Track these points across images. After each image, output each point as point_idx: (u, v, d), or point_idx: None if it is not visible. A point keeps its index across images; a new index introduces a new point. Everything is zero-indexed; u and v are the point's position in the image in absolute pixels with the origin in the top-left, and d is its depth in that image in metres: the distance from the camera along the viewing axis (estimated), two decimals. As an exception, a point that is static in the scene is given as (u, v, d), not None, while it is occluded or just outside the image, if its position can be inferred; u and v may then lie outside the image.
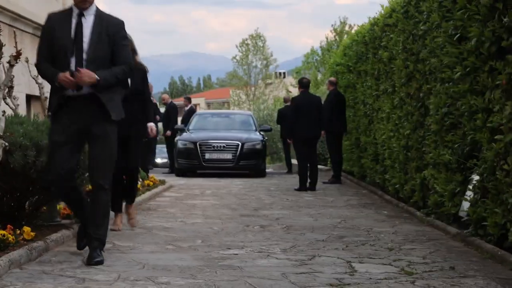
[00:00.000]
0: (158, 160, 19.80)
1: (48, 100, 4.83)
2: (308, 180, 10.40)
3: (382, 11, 9.39)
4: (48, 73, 4.43)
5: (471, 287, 3.91)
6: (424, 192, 7.09)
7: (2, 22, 8.29)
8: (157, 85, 60.73)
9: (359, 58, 11.35)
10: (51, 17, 4.52)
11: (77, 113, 4.39)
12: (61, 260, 4.49)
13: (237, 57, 44.69)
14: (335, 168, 12.08)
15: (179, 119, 16.24)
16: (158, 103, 17.23)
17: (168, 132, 14.55)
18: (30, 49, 5.04)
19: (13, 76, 5.21)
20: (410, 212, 7.43)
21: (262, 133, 14.61)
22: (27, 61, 6.82)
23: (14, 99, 6.60)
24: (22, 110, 7.48)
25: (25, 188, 5.20)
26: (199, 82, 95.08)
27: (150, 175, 10.83)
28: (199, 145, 13.31)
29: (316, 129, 10.52)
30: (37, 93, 8.13)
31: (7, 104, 6.42)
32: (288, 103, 14.01)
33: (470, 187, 5.52)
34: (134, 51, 5.93)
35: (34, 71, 5.21)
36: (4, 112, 4.72)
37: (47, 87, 5.07)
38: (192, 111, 15.72)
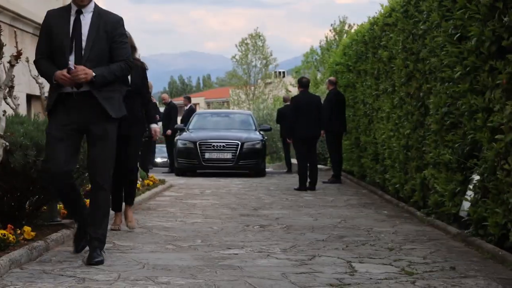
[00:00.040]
0: (158, 160, 19.81)
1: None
2: (308, 180, 10.40)
3: (382, 11, 9.39)
4: (46, 71, 4.41)
5: None
6: (424, 192, 7.09)
7: (2, 22, 8.29)
8: (157, 84, 60.77)
9: (359, 58, 11.35)
10: (50, 14, 4.49)
11: (77, 112, 4.36)
12: (61, 260, 4.49)
13: (237, 57, 44.70)
14: (335, 167, 12.08)
15: (179, 118, 16.25)
16: (158, 103, 17.22)
17: (169, 131, 14.56)
18: (30, 49, 5.03)
19: (14, 76, 5.21)
20: (410, 212, 7.43)
21: (261, 132, 14.62)
22: (27, 61, 6.82)
23: (14, 98, 6.60)
24: (22, 110, 7.49)
25: (25, 187, 5.20)
26: (198, 82, 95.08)
27: (150, 174, 10.83)
28: (199, 144, 13.31)
29: (315, 129, 10.52)
30: (37, 92, 8.14)
31: (7, 103, 6.42)
32: (288, 103, 14.02)
33: (471, 187, 5.52)
34: (133, 48, 5.89)
35: (35, 71, 5.21)
36: (4, 111, 4.72)
37: (47, 87, 5.06)
38: (191, 111, 15.73)
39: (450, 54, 5.79)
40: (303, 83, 10.84)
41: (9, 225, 4.72)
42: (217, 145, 13.33)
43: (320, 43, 36.26)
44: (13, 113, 6.19)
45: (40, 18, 4.64)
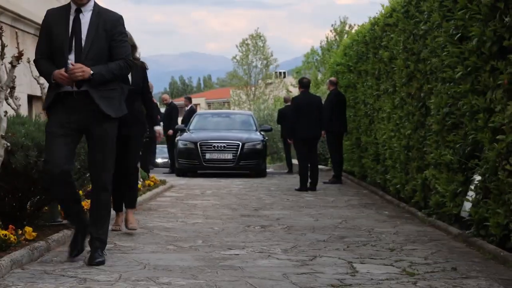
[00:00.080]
0: (159, 160, 19.81)
1: None
2: (309, 180, 10.40)
3: (383, 11, 9.39)
4: (46, 71, 4.39)
5: (473, 288, 3.92)
6: (425, 192, 7.09)
7: (3, 23, 8.30)
8: (157, 85, 60.76)
9: (360, 58, 11.35)
10: (49, 14, 4.47)
11: (77, 112, 4.33)
12: (62, 260, 4.49)
13: (237, 57, 44.70)
14: (336, 168, 12.08)
15: (180, 119, 16.25)
16: (158, 103, 17.24)
17: (170, 131, 14.55)
18: (31, 50, 5.02)
19: (15, 76, 5.21)
20: (411, 212, 7.43)
21: (262, 133, 14.61)
22: (28, 62, 6.81)
23: (16, 99, 6.59)
24: (23, 111, 7.49)
25: (26, 188, 5.20)
26: (199, 82, 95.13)
27: (151, 175, 10.84)
28: (200, 145, 13.32)
29: (316, 129, 10.52)
30: (38, 93, 8.14)
31: (9, 104, 6.42)
32: (289, 103, 14.01)
33: (472, 187, 5.51)
34: (134, 47, 5.86)
35: (36, 72, 5.20)
36: (6, 112, 4.72)
37: (48, 88, 5.05)
38: (192, 111, 15.73)
39: (451, 54, 5.79)
40: (303, 84, 10.84)
41: (10, 226, 4.72)
42: (217, 146, 13.33)
43: (320, 43, 36.28)
44: (14, 113, 6.19)
45: (41, 18, 4.64)
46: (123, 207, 6.07)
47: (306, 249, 5.15)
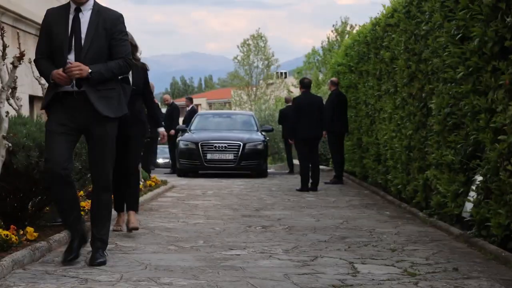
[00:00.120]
0: (160, 160, 19.82)
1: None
2: (310, 181, 10.40)
3: (384, 11, 9.39)
4: (45, 71, 4.37)
5: (475, 288, 3.91)
6: (426, 192, 7.08)
7: (5, 23, 8.30)
8: (158, 85, 60.82)
9: (361, 58, 11.34)
10: (49, 13, 4.46)
11: (77, 112, 4.30)
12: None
13: (239, 57, 44.72)
14: (337, 168, 12.08)
15: (181, 119, 16.26)
16: (159, 104, 17.24)
17: (172, 131, 14.56)
18: (33, 50, 5.02)
19: (17, 77, 5.21)
20: (412, 212, 7.42)
21: (263, 133, 14.62)
22: (30, 62, 6.81)
23: (17, 100, 6.59)
24: (25, 111, 7.48)
25: (28, 188, 5.20)
26: (200, 83, 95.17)
27: (152, 175, 10.84)
28: (201, 145, 13.32)
29: (317, 130, 10.51)
30: (40, 94, 8.14)
31: (10, 105, 6.41)
32: (290, 103, 14.01)
33: (473, 187, 5.51)
34: (135, 47, 5.84)
35: (37, 72, 5.20)
36: (7, 113, 4.72)
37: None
38: (193, 112, 15.74)
39: (453, 54, 5.78)
40: (305, 84, 10.84)
41: (12, 226, 4.72)
42: (219, 146, 13.33)
43: (322, 43, 36.28)
44: (16, 114, 6.19)
45: (42, 19, 4.63)
46: (125, 208, 6.06)
47: (307, 249, 5.15)
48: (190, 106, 16.03)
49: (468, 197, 5.57)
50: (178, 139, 14.01)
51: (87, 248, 4.60)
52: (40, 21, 4.64)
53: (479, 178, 5.39)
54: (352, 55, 12.39)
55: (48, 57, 4.39)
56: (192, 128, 14.37)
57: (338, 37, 34.73)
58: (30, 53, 5.88)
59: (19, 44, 5.22)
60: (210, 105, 56.74)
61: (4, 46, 4.79)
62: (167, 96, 16.44)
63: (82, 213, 5.89)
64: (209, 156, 13.30)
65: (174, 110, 15.15)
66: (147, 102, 6.23)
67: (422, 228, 6.40)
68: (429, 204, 6.87)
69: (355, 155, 12.20)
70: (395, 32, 8.45)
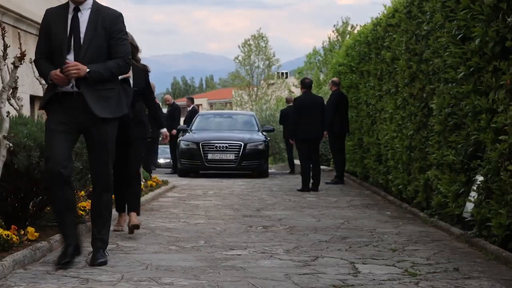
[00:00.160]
0: (161, 161, 19.83)
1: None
2: (311, 181, 10.40)
3: (385, 11, 9.39)
4: (44, 71, 4.36)
5: (475, 288, 3.91)
6: (427, 192, 7.08)
7: (6, 23, 8.31)
8: (159, 85, 60.86)
9: (362, 59, 11.34)
10: (48, 13, 4.44)
11: (76, 113, 4.28)
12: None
13: (240, 58, 44.73)
14: (338, 168, 12.08)
15: (182, 119, 16.27)
16: (160, 104, 17.25)
17: (174, 131, 14.57)
18: (34, 50, 5.03)
19: (17, 77, 5.21)
20: (413, 213, 7.42)
21: (264, 133, 14.62)
22: (31, 62, 6.82)
23: (18, 100, 6.60)
24: (26, 111, 7.49)
25: (29, 188, 5.20)
26: (201, 83, 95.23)
27: (153, 175, 10.84)
28: (202, 145, 13.32)
29: (318, 130, 10.51)
30: (41, 94, 8.14)
31: (11, 105, 6.42)
32: (291, 104, 14.02)
33: (474, 187, 5.51)
34: (135, 48, 5.83)
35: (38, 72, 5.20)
36: (8, 113, 4.72)
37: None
38: (194, 112, 15.75)
39: (454, 54, 5.78)
40: (306, 84, 10.84)
41: (12, 226, 4.73)
42: (220, 146, 13.33)
43: (323, 44, 36.29)
44: (17, 114, 6.20)
45: (43, 19, 4.63)
46: (126, 209, 6.05)
47: (308, 249, 5.15)
48: (191, 106, 16.05)
49: (469, 197, 5.56)
50: (179, 139, 14.02)
51: (88, 248, 4.61)
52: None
53: (480, 178, 5.39)
54: (353, 55, 12.39)
55: (48, 57, 4.37)
56: (193, 128, 14.38)
57: (339, 37, 34.75)
58: (31, 53, 5.88)
59: (20, 44, 5.21)
60: (211, 105, 56.77)
61: (5, 46, 4.79)
62: (168, 96, 16.46)
63: (83, 213, 5.92)
64: (210, 156, 13.31)
65: (175, 110, 15.16)
66: (148, 102, 6.22)
67: (423, 228, 6.40)
68: (430, 204, 6.87)
69: (356, 155, 12.20)
70: (396, 32, 8.45)
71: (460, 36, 5.67)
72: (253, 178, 13.30)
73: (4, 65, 4.88)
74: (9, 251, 4.35)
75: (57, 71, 4.21)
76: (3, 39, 4.78)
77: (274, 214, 7.44)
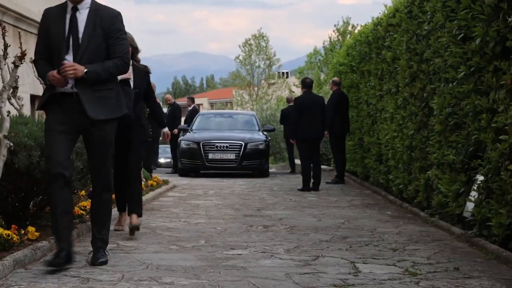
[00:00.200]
0: (162, 160, 19.85)
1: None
2: (312, 180, 10.40)
3: (386, 11, 9.39)
4: (42, 71, 4.34)
5: (476, 288, 3.91)
6: (428, 192, 7.08)
7: (6, 23, 8.31)
8: (160, 85, 60.81)
9: (363, 58, 11.34)
10: (47, 13, 4.42)
11: (75, 113, 4.26)
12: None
13: (240, 57, 44.74)
14: (339, 168, 12.08)
15: (183, 119, 16.28)
16: (161, 103, 17.26)
17: (175, 131, 14.58)
18: (34, 50, 5.06)
19: (18, 76, 5.22)
20: (414, 212, 7.42)
21: (265, 133, 14.62)
22: (31, 62, 6.82)
23: (18, 99, 6.61)
24: (26, 111, 7.49)
25: (29, 188, 5.21)
26: (202, 82, 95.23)
27: (154, 175, 10.85)
28: (202, 145, 13.33)
29: (319, 129, 10.52)
30: (41, 93, 8.14)
31: (11, 104, 6.43)
32: (291, 103, 14.02)
33: (475, 187, 5.51)
34: (135, 49, 5.81)
35: (38, 72, 5.20)
36: (9, 112, 4.72)
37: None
38: (195, 111, 15.76)
39: (454, 54, 5.78)
40: (306, 84, 10.84)
41: (13, 226, 4.73)
42: (220, 146, 13.34)
43: (323, 43, 36.30)
44: (17, 113, 6.20)
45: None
46: (126, 209, 6.04)
47: (308, 249, 5.15)
48: (192, 106, 16.05)
49: (469, 197, 5.57)
50: (179, 139, 14.03)
51: (88, 248, 4.61)
52: (42, 21, 4.62)
53: (480, 178, 5.39)
54: (354, 55, 12.39)
55: (47, 57, 4.34)
56: (193, 128, 14.39)
57: (339, 37, 34.76)
58: (31, 53, 5.89)
59: (21, 43, 5.22)
60: (211, 105, 56.78)
61: (6, 46, 4.79)
62: (169, 96, 16.46)
63: (83, 212, 5.92)
64: (210, 155, 13.31)
65: (176, 110, 15.17)
66: (149, 102, 6.21)
67: (423, 228, 6.40)
68: (431, 204, 6.87)
69: (356, 155, 12.20)
70: (396, 32, 8.44)
71: (460, 36, 5.66)
72: (254, 177, 13.30)
73: (5, 64, 4.88)
74: (9, 251, 4.35)
75: (54, 72, 4.19)
76: (3, 38, 4.79)
77: (274, 214, 7.44)
